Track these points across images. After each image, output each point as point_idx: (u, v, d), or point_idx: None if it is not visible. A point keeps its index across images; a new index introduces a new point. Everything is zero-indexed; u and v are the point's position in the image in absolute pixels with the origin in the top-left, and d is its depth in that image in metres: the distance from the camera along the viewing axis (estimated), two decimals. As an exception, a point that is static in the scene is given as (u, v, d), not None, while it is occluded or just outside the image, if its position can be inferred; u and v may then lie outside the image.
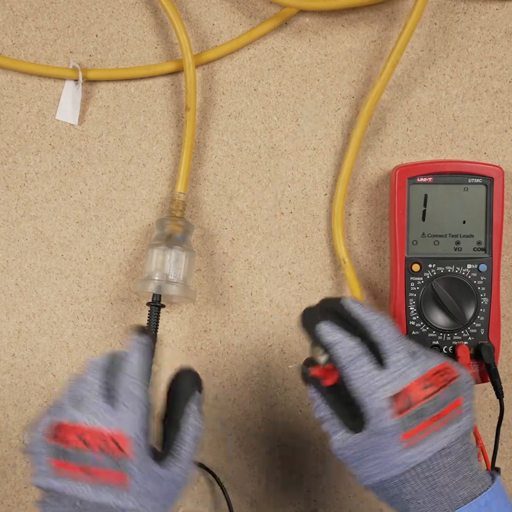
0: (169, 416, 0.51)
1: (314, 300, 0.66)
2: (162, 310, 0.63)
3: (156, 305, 0.62)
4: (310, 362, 0.55)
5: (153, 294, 0.61)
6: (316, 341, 0.52)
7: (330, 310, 0.53)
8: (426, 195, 0.63)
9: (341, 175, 0.65)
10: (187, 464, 0.50)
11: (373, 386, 0.49)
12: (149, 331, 0.60)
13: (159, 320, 0.62)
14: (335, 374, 0.52)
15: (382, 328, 0.51)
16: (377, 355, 0.50)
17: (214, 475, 0.66)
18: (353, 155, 0.65)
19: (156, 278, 0.61)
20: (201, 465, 0.66)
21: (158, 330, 0.62)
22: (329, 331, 0.51)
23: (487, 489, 0.50)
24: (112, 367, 0.50)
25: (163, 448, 0.50)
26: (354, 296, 0.65)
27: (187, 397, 0.51)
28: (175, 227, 0.63)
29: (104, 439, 0.47)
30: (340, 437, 0.51)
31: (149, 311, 0.62)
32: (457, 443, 0.50)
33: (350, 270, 0.65)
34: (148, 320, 0.62)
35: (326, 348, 0.51)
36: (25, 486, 0.68)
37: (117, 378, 0.49)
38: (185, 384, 0.52)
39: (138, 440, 0.48)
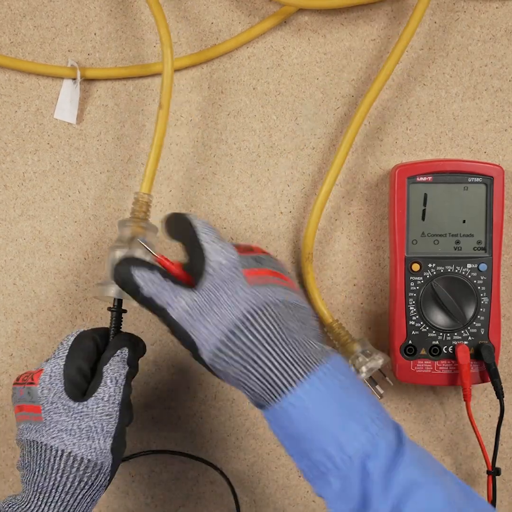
0: (96, 368, 0.55)
1: (313, 299, 0.66)
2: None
3: (116, 310, 0.58)
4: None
5: (114, 299, 0.58)
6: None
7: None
8: (425, 194, 0.63)
9: (329, 172, 0.64)
10: (107, 403, 0.53)
11: (215, 239, 0.51)
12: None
13: (121, 325, 0.58)
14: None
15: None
16: None
17: (223, 475, 0.66)
18: (344, 154, 0.64)
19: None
20: (209, 463, 0.66)
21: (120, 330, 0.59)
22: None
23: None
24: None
25: (85, 394, 0.54)
26: (314, 294, 0.65)
27: (113, 352, 0.55)
28: (138, 229, 0.60)
29: (27, 374, 0.55)
30: (181, 299, 0.49)
31: (111, 317, 0.58)
32: (300, 310, 0.50)
33: (310, 266, 0.65)
34: (110, 325, 0.58)
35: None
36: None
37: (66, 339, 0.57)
38: (113, 342, 0.56)
39: (51, 373, 0.54)
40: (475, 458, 0.68)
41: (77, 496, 0.53)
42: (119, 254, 0.58)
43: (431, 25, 0.66)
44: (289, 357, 0.47)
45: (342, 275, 0.67)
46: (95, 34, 0.66)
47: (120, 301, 0.58)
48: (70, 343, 0.55)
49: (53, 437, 0.53)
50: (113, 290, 0.57)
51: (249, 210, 0.67)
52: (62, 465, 0.52)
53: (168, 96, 0.61)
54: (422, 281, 0.63)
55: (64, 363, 0.54)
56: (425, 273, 0.63)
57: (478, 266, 0.63)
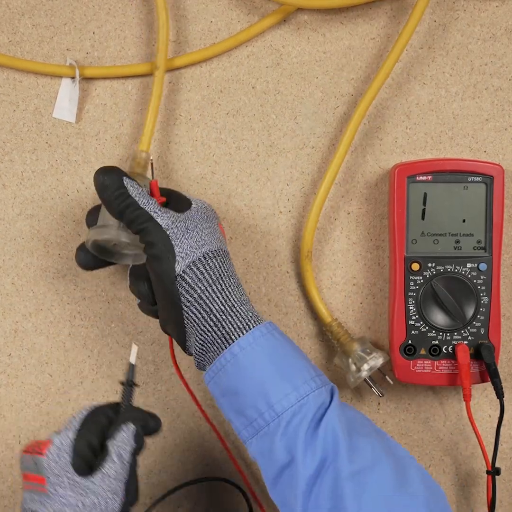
0: (103, 445, 0.53)
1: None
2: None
3: (130, 384, 0.57)
4: None
5: (126, 373, 0.57)
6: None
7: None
8: (425, 194, 0.63)
9: (329, 170, 0.64)
10: (113, 481, 0.51)
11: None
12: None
13: (132, 399, 0.57)
14: None
15: None
16: None
17: (239, 488, 0.66)
18: (343, 153, 0.64)
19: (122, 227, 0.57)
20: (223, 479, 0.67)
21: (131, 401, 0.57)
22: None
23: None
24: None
25: (91, 470, 0.52)
26: (313, 293, 0.65)
27: (119, 427, 0.53)
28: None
29: (36, 444, 0.53)
30: (171, 214, 0.54)
31: (123, 391, 0.57)
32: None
33: (309, 264, 0.65)
34: (121, 399, 0.56)
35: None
36: (21, 487, 0.67)
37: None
38: (120, 418, 0.54)
39: (60, 445, 0.52)
40: (475, 458, 0.67)
41: None
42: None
43: (431, 24, 0.66)
44: (235, 305, 0.53)
45: (341, 275, 0.67)
46: (93, 32, 0.66)
47: (132, 375, 0.57)
48: (82, 416, 0.54)
49: (55, 511, 0.51)
50: (113, 232, 0.56)
51: (248, 209, 0.67)
52: None
53: (164, 56, 0.63)
54: (421, 281, 0.62)
55: (74, 437, 0.53)
56: (424, 273, 0.62)
57: (478, 265, 0.62)
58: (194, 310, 0.53)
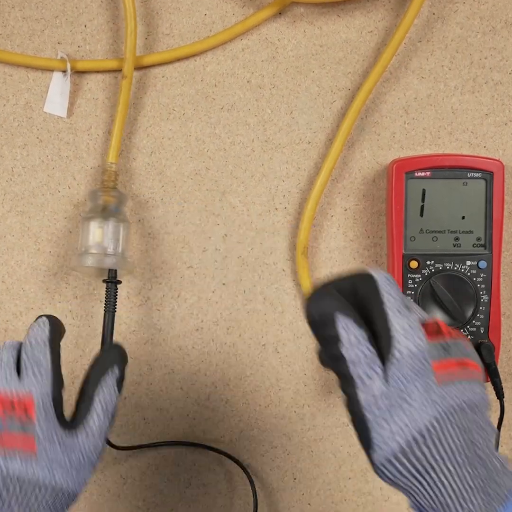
0: (84, 389, 0.50)
1: (309, 298, 0.65)
2: (155, 309, 0.63)
3: (113, 281, 0.60)
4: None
5: (109, 270, 0.61)
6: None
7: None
8: (424, 190, 0.62)
9: (324, 167, 0.63)
10: (96, 436, 0.48)
11: (402, 310, 0.44)
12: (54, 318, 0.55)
13: (117, 298, 0.61)
14: None
15: None
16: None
17: (243, 468, 0.65)
18: (339, 148, 0.63)
19: (109, 251, 0.61)
20: (230, 457, 0.65)
21: (116, 308, 0.61)
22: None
23: None
24: (20, 345, 0.50)
25: (73, 420, 0.49)
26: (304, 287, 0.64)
27: (104, 371, 0.50)
28: (109, 198, 0.62)
29: (11, 403, 0.47)
30: (379, 383, 0.42)
31: (106, 289, 0.60)
32: (482, 409, 0.43)
33: (305, 261, 0.64)
34: (106, 299, 0.60)
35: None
36: None
37: (24, 349, 0.49)
38: (104, 358, 0.51)
39: (44, 405, 0.47)
40: (475, 460, 0.66)
41: None
42: (93, 224, 0.61)
43: (430, 17, 0.65)
44: (470, 482, 0.41)
45: (338, 273, 0.65)
46: (85, 26, 0.65)
47: (115, 273, 0.60)
48: (48, 357, 0.49)
49: (44, 472, 0.47)
50: (91, 260, 0.59)
51: (243, 205, 0.66)
52: (46, 499, 0.47)
53: (130, 66, 0.63)
54: (420, 279, 0.62)
55: (51, 387, 0.48)
56: (423, 271, 0.62)
57: (477, 263, 0.62)
58: (407, 487, 0.43)
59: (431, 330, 0.44)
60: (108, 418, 0.49)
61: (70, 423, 0.49)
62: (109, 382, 0.50)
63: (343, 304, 0.43)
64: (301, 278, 0.64)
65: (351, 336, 0.43)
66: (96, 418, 0.49)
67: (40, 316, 0.52)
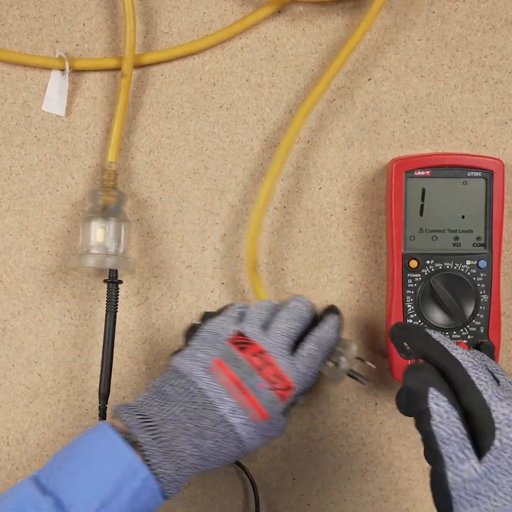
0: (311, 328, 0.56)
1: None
2: (153, 308, 0.63)
3: (114, 281, 0.61)
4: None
5: (110, 270, 0.61)
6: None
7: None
8: (424, 189, 0.62)
9: (269, 175, 0.62)
10: (306, 361, 0.53)
11: (498, 394, 0.44)
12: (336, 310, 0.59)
13: (118, 298, 0.61)
14: None
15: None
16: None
17: (243, 468, 0.65)
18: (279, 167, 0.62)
19: (110, 251, 0.61)
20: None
21: (118, 307, 0.61)
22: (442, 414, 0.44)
23: None
24: (309, 322, 0.56)
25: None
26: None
27: (329, 312, 0.57)
28: (109, 198, 0.62)
29: (278, 376, 0.52)
30: (470, 467, 0.42)
31: (107, 289, 0.61)
32: None
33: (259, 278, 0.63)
34: (107, 299, 0.61)
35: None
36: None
37: (311, 338, 0.55)
38: (331, 309, 0.57)
39: (298, 394, 0.53)
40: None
41: (214, 466, 0.52)
42: (94, 224, 0.60)
43: (429, 15, 0.65)
44: None
45: (338, 272, 0.65)
46: (83, 24, 0.65)
47: (116, 273, 0.60)
48: (319, 361, 0.54)
49: (251, 438, 0.52)
50: (93, 261, 0.59)
51: (242, 205, 0.65)
52: (232, 452, 0.52)
53: (130, 64, 0.62)
54: (420, 278, 0.61)
55: (306, 386, 0.54)
56: (423, 270, 0.61)
57: (477, 262, 0.61)
58: None
59: None
60: (321, 350, 0.54)
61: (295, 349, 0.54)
62: (331, 321, 0.56)
63: (438, 381, 0.45)
64: (257, 295, 0.62)
65: (443, 415, 0.43)
66: (308, 348, 0.53)
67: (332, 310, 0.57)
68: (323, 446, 0.66)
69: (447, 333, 0.61)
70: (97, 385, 0.63)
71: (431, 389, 0.44)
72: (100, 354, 0.61)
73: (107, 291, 0.61)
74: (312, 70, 0.65)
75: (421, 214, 0.62)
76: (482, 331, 0.62)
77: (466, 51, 0.65)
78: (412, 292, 0.61)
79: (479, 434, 0.43)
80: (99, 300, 0.65)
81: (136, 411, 0.51)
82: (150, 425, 0.50)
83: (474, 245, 0.62)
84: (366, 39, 0.65)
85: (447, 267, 0.61)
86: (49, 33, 0.65)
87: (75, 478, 0.48)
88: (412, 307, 0.61)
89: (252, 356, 0.52)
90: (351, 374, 0.59)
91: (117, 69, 0.64)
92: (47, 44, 0.65)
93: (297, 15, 0.65)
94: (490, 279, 0.61)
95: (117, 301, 0.61)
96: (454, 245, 0.62)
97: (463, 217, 0.62)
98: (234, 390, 0.51)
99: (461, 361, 0.45)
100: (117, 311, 0.61)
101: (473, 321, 0.61)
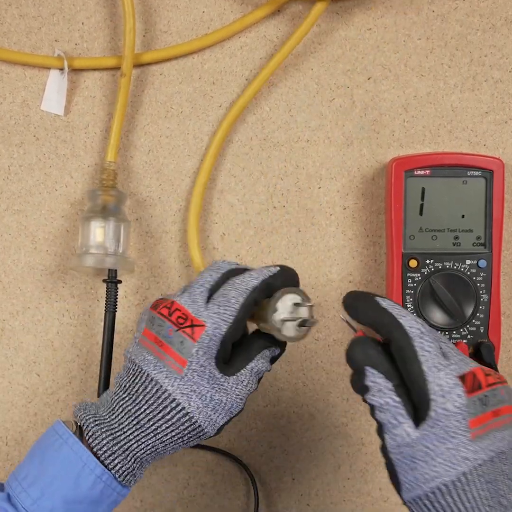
0: (250, 346, 0.54)
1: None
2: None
3: (113, 281, 0.60)
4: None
5: (109, 270, 0.60)
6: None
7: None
8: (423, 189, 0.62)
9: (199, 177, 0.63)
10: (243, 386, 0.52)
11: (439, 364, 0.45)
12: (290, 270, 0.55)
13: (117, 297, 0.61)
14: None
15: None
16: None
17: (244, 466, 0.65)
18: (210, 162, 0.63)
19: (109, 251, 0.60)
20: (231, 456, 0.65)
21: (117, 307, 0.61)
22: (375, 386, 0.47)
23: None
24: (231, 274, 0.54)
25: (228, 367, 0.53)
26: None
27: (268, 345, 0.54)
28: (108, 198, 0.61)
29: (185, 317, 0.51)
30: (402, 431, 0.45)
31: (107, 289, 0.60)
32: (511, 455, 0.45)
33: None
34: (106, 298, 0.60)
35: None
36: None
37: (226, 284, 0.53)
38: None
39: (213, 336, 0.51)
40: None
41: (167, 444, 0.52)
42: (94, 224, 0.60)
43: (429, 14, 0.65)
44: None
45: (337, 272, 0.65)
46: (82, 23, 0.65)
47: (115, 273, 0.60)
48: (239, 304, 0.51)
49: (182, 393, 0.50)
50: (92, 260, 0.59)
51: (241, 204, 0.65)
52: (174, 419, 0.51)
53: (130, 64, 0.62)
54: (419, 278, 0.61)
55: (227, 329, 0.51)
56: (422, 270, 0.61)
57: (477, 262, 0.61)
58: None
59: (470, 383, 0.45)
60: (255, 382, 0.53)
61: (225, 367, 0.52)
62: (267, 354, 0.54)
63: (374, 358, 0.47)
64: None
65: (378, 387, 0.46)
66: (248, 373, 0.52)
67: (278, 266, 0.54)
68: (322, 446, 0.66)
69: (447, 333, 0.61)
70: (96, 385, 0.64)
71: (367, 368, 0.47)
72: (99, 354, 0.61)
73: (106, 291, 0.60)
74: (311, 69, 0.65)
75: (420, 213, 0.62)
76: (482, 331, 0.61)
77: (466, 50, 0.65)
78: (412, 291, 0.61)
79: (417, 404, 0.45)
80: (98, 300, 0.65)
81: (90, 405, 0.53)
82: (98, 419, 0.52)
83: (474, 244, 0.62)
84: (365, 38, 0.65)
85: (447, 266, 0.61)
86: (48, 32, 0.64)
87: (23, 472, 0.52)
88: (412, 307, 0.61)
89: (162, 308, 0.52)
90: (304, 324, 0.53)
91: (116, 68, 0.64)
92: (46, 43, 0.64)
93: (297, 14, 0.65)
94: (490, 279, 0.61)
95: (116, 301, 0.61)
96: (454, 245, 0.62)
97: (463, 216, 0.62)
98: (154, 347, 0.52)
99: (408, 329, 0.46)
100: (116, 311, 0.61)
101: (473, 321, 0.61)
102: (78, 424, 0.52)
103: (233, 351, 0.53)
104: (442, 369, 0.45)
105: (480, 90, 0.65)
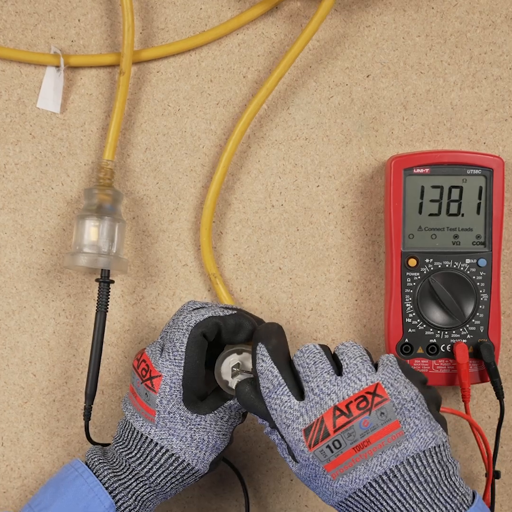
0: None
1: (305, 296, 0.64)
2: (149, 307, 0.63)
3: (105, 281, 0.60)
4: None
5: (102, 269, 0.60)
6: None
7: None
8: (423, 187, 0.61)
9: (214, 180, 0.63)
10: (224, 422, 0.55)
11: (289, 418, 0.49)
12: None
13: (109, 297, 0.61)
14: None
15: (305, 351, 0.51)
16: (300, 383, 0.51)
17: (235, 469, 0.64)
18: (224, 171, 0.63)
19: (103, 251, 0.60)
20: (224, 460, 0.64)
21: (108, 307, 0.61)
22: (260, 356, 0.51)
23: (467, 508, 0.48)
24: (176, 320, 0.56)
25: (204, 405, 0.55)
26: None
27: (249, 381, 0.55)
28: (105, 197, 0.61)
29: (147, 368, 0.54)
30: (288, 463, 0.52)
31: (99, 288, 0.60)
32: (404, 467, 0.47)
33: (221, 286, 0.63)
34: (98, 297, 0.60)
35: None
36: (4, 491, 0.65)
37: (171, 324, 0.56)
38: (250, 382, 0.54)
39: (171, 384, 0.53)
40: (474, 460, 0.66)
41: (163, 485, 0.55)
42: (88, 223, 0.60)
43: (429, 11, 0.64)
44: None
45: (336, 271, 0.65)
46: (79, 20, 0.64)
47: (108, 273, 0.60)
48: (184, 345, 0.54)
49: (162, 438, 0.54)
50: (84, 260, 0.59)
51: (239, 203, 0.65)
52: (162, 461, 0.54)
53: (129, 62, 0.62)
54: (419, 277, 0.61)
55: (182, 373, 0.53)
56: (422, 269, 0.61)
57: (477, 261, 0.61)
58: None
59: (313, 435, 0.48)
60: (239, 416, 0.56)
61: (200, 405, 0.55)
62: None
63: (255, 402, 0.52)
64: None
65: (267, 429, 0.53)
66: (225, 409, 0.55)
67: (236, 309, 0.57)
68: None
69: (446, 332, 0.61)
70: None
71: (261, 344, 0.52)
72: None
73: (98, 291, 0.60)
74: (310, 67, 0.64)
75: (420, 212, 0.61)
76: (481, 331, 0.61)
77: (466, 48, 0.64)
78: (411, 291, 0.61)
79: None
80: (94, 299, 0.64)
81: (100, 448, 0.58)
82: (102, 459, 0.56)
83: (474, 243, 0.61)
84: (364, 35, 0.64)
85: (447, 265, 0.61)
86: (44, 29, 0.64)
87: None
88: (411, 306, 0.61)
89: (135, 359, 0.56)
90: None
91: (113, 65, 0.64)
92: (42, 40, 0.64)
93: (295, 11, 0.64)
94: (490, 278, 0.61)
95: (108, 301, 0.60)
96: (454, 244, 0.61)
97: (462, 215, 0.62)
98: (132, 398, 0.56)
99: (261, 385, 0.51)
100: (107, 311, 0.61)
101: (473, 320, 0.61)
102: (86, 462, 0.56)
103: (215, 387, 0.56)
104: (290, 424, 0.49)
105: (480, 88, 0.64)
